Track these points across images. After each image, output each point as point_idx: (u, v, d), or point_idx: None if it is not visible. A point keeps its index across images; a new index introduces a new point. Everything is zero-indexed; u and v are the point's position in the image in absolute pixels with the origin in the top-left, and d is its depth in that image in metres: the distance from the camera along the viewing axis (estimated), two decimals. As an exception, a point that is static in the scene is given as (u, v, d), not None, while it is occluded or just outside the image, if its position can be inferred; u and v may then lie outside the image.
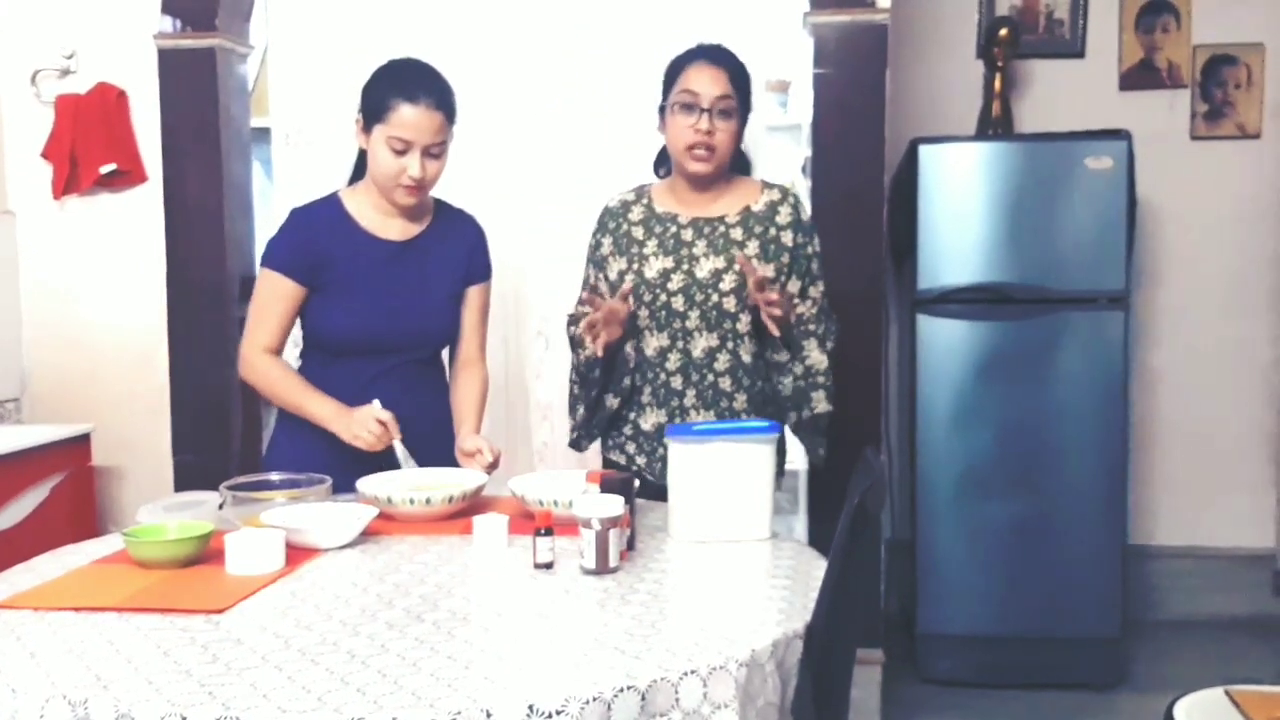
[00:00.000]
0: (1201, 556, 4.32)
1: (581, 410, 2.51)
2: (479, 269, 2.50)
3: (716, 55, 2.38)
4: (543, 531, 1.82)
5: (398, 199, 2.34)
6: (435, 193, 2.43)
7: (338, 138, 3.63)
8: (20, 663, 1.42)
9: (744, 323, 2.36)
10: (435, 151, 2.30)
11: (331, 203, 2.42)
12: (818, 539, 3.21)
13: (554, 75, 3.68)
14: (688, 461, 2.00)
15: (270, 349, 2.39)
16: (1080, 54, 4.26)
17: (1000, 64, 3.98)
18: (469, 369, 2.51)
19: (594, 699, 1.29)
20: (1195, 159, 4.26)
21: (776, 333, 2.27)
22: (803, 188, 4.03)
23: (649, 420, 2.42)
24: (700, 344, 2.38)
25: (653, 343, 2.40)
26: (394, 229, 2.40)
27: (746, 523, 2.01)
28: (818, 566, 1.85)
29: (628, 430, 2.46)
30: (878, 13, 3.28)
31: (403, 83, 2.28)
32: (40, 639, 1.51)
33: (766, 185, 2.47)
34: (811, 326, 2.37)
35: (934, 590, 3.69)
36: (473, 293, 2.49)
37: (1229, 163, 4.25)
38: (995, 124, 3.96)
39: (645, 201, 2.48)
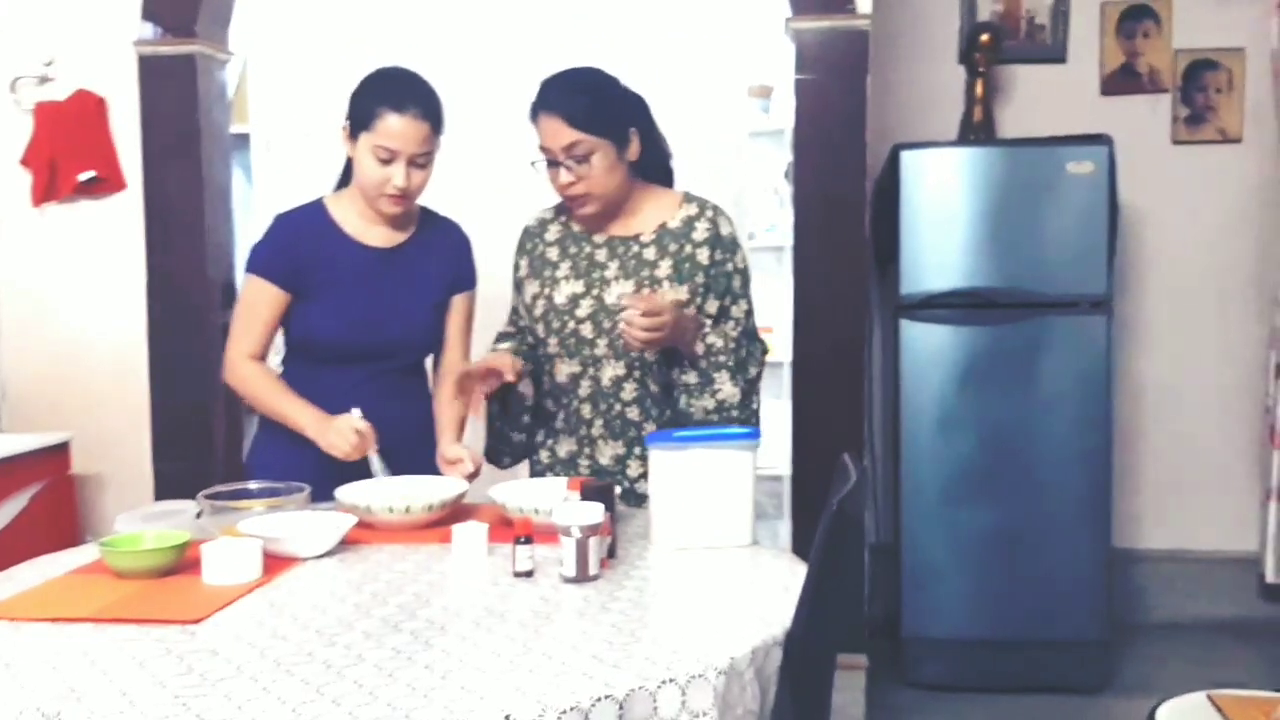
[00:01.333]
0: (1186, 560, 4.33)
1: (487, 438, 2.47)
2: (464, 277, 2.49)
3: (552, 101, 2.22)
4: (522, 539, 1.81)
5: (382, 208, 2.33)
6: (421, 199, 2.42)
7: (318, 144, 3.62)
8: (-7, 674, 1.41)
9: (652, 351, 2.26)
10: (421, 161, 2.29)
11: (316, 208, 2.41)
12: (802, 543, 3.21)
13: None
14: (668, 468, 1.99)
15: (254, 355, 2.38)
16: (1062, 59, 4.27)
17: (982, 69, 3.99)
18: (452, 377, 2.50)
19: (571, 708, 1.28)
20: (1177, 163, 4.28)
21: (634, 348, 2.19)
22: (786, 193, 4.04)
23: (563, 448, 2.37)
24: (609, 372, 2.29)
25: (564, 369, 2.32)
26: (378, 236, 2.39)
27: (728, 529, 2.00)
28: (799, 572, 1.84)
29: (545, 458, 2.41)
30: (859, 18, 3.28)
31: (390, 92, 2.27)
32: (14, 650, 1.49)
33: (688, 199, 2.35)
34: (722, 358, 2.25)
35: (919, 594, 3.70)
36: (457, 301, 2.48)
37: (1210, 167, 4.27)
38: (977, 129, 3.97)
39: (563, 220, 2.40)
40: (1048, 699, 3.60)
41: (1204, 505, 4.34)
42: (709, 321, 2.29)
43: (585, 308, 2.30)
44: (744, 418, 2.29)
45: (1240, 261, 4.28)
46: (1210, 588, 4.29)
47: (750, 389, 2.31)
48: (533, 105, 2.26)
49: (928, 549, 3.68)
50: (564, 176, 2.23)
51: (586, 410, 2.32)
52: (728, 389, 2.26)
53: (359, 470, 2.25)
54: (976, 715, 3.53)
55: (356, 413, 2.26)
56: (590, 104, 2.22)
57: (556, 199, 2.44)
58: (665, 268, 2.28)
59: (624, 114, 2.27)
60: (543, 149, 2.26)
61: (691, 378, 2.27)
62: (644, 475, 2.29)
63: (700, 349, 2.25)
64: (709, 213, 2.33)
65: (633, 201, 2.34)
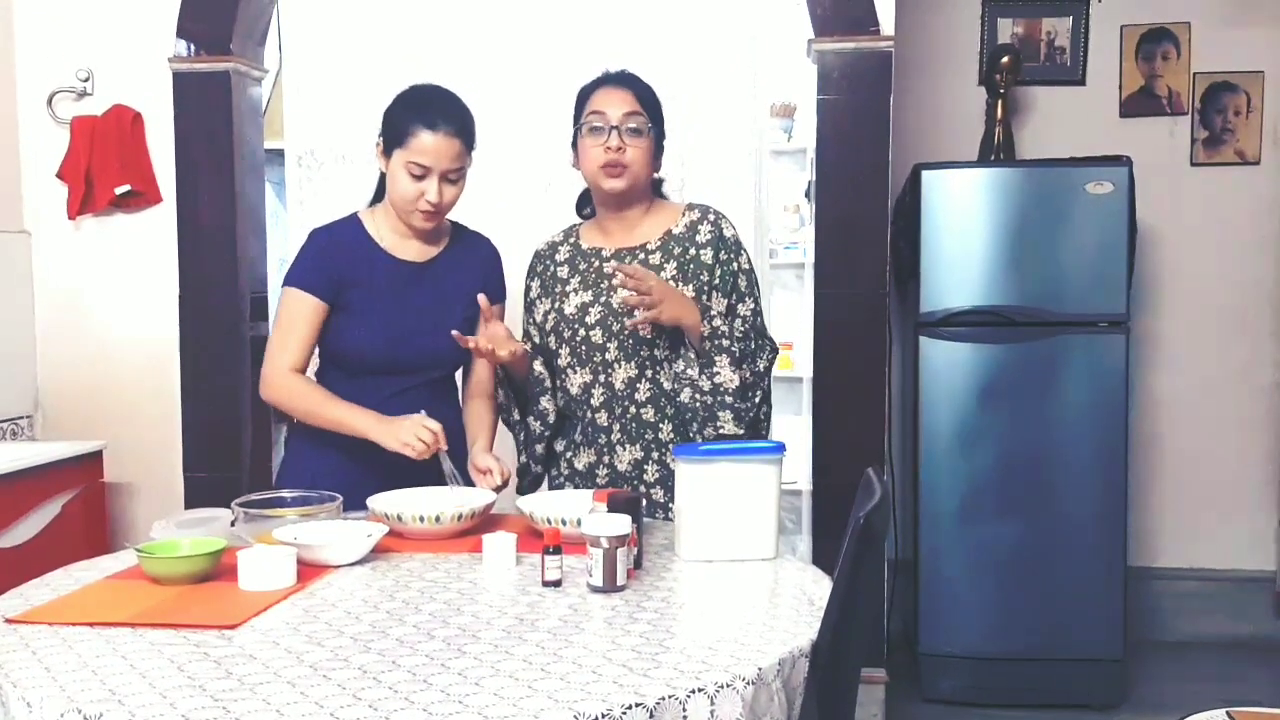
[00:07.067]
0: (1203, 578, 4.34)
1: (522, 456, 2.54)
2: (494, 291, 2.53)
3: (621, 78, 2.39)
4: (551, 549, 1.84)
5: (415, 223, 2.38)
6: (453, 214, 2.47)
7: (350, 160, 3.67)
8: (36, 676, 1.44)
9: (661, 348, 2.33)
10: (453, 177, 2.34)
11: (351, 223, 2.46)
12: (821, 558, 3.23)
13: (571, 96, 3.71)
14: (694, 481, 2.03)
15: (295, 368, 2.39)
16: (1081, 81, 4.30)
17: (1002, 90, 4.02)
18: (483, 388, 2.54)
19: (603, 715, 1.31)
20: (1195, 185, 4.30)
21: (636, 315, 2.22)
22: (806, 211, 4.08)
23: (581, 460, 2.42)
24: (620, 375, 2.34)
25: (576, 380, 2.38)
26: (412, 250, 2.44)
27: (752, 542, 2.03)
28: (823, 585, 1.87)
29: (564, 469, 2.46)
30: (882, 40, 3.31)
31: (423, 109, 2.32)
32: (55, 653, 1.53)
33: (690, 207, 2.44)
34: (725, 343, 2.29)
35: (936, 610, 3.71)
36: None
37: (1228, 189, 4.29)
38: (997, 150, 3.99)
39: (572, 240, 2.48)
40: (1063, 715, 3.61)
41: (1220, 523, 4.35)
42: (716, 314, 2.32)
43: (594, 314, 2.36)
44: (742, 408, 2.31)
45: (1258, 282, 4.30)
46: (1226, 606, 4.29)
47: (755, 382, 2.35)
48: (595, 80, 2.40)
49: (945, 565, 3.70)
50: (614, 140, 2.31)
51: (603, 417, 2.37)
52: (726, 373, 2.28)
53: (390, 482, 2.29)
54: (993, 731, 3.55)
55: (424, 414, 2.28)
56: (651, 92, 2.40)
57: (565, 223, 2.50)
58: (670, 270, 2.35)
59: (663, 122, 2.41)
60: (596, 114, 2.34)
61: (694, 369, 2.30)
62: (660, 481, 2.35)
63: (706, 330, 2.28)
64: (711, 216, 2.42)
65: (641, 213, 2.42)
